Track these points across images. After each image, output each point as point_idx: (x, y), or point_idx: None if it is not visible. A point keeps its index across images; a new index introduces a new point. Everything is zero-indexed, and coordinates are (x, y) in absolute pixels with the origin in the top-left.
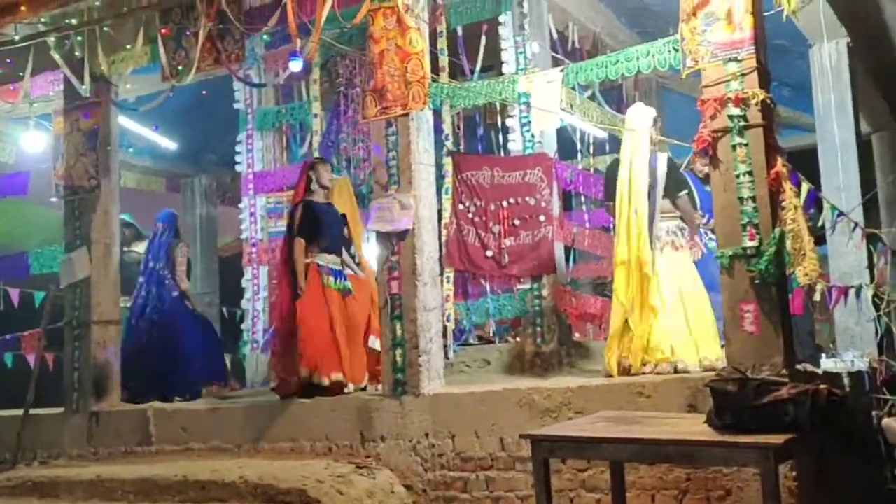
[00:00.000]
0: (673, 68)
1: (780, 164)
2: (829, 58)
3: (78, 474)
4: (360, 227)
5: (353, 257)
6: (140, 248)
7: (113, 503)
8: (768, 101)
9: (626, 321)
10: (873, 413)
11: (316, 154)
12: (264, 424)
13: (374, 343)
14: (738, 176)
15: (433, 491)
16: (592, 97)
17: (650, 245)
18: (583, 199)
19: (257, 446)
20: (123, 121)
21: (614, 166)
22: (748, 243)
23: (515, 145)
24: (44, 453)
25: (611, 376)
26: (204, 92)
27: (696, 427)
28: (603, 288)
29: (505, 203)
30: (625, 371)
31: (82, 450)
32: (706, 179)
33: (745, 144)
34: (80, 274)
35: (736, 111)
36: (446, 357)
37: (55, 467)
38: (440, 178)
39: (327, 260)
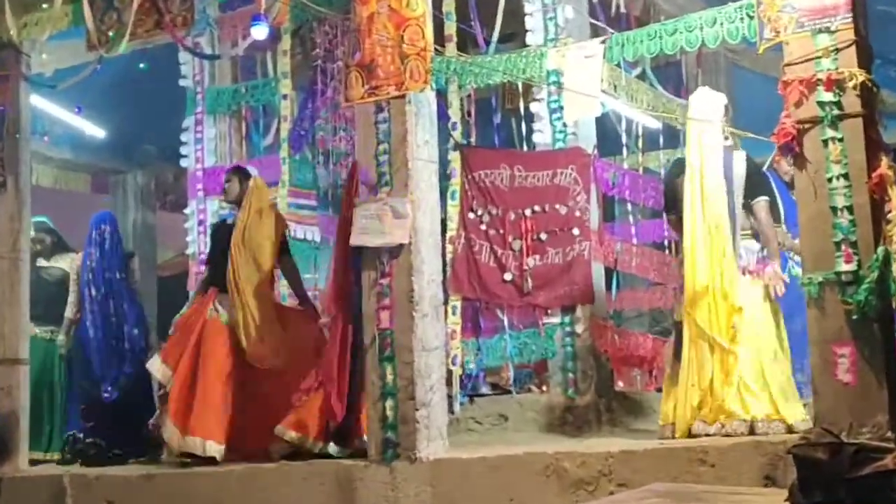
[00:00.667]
0: (747, 41)
1: (886, 165)
2: None
3: None
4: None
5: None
6: (63, 262)
7: None
8: (870, 84)
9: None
10: None
11: (284, 144)
12: (215, 497)
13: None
14: (830, 180)
15: None
16: (642, 76)
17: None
18: (629, 206)
19: None
20: (37, 101)
21: (676, 169)
22: (843, 267)
23: (543, 137)
24: None
25: (670, 437)
26: (141, 65)
27: None
28: (656, 323)
29: (528, 211)
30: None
31: None
32: (793, 184)
33: (840, 139)
34: None
35: (828, 96)
36: (451, 411)
37: None
38: (445, 178)
39: None
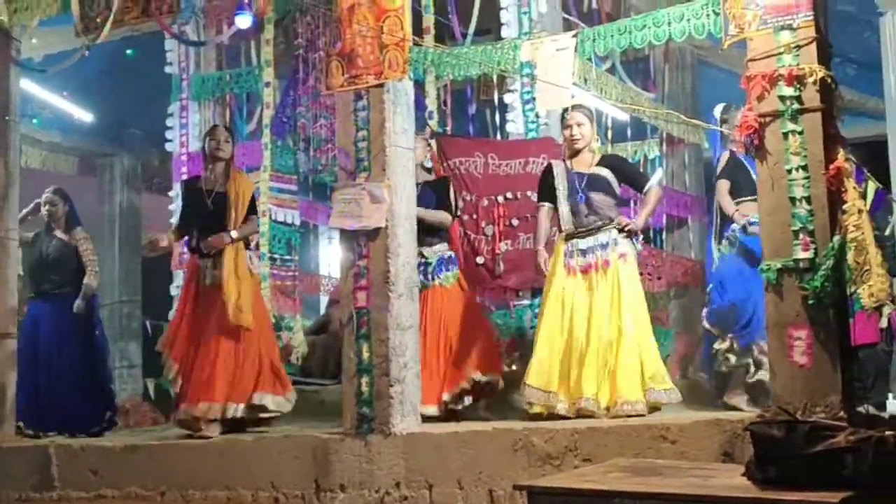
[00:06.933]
0: (712, 37)
1: (842, 158)
2: None
3: None
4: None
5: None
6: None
7: None
8: (829, 80)
9: None
10: None
11: (266, 130)
12: (195, 468)
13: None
14: (789, 171)
15: None
16: (612, 70)
17: None
18: None
19: (185, 495)
20: (27, 85)
21: None
22: (801, 254)
23: (515, 127)
24: None
25: None
26: (128, 52)
27: (732, 480)
28: None
29: (501, 198)
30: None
31: None
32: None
33: (800, 132)
34: None
35: (789, 91)
36: None
37: None
38: None
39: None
